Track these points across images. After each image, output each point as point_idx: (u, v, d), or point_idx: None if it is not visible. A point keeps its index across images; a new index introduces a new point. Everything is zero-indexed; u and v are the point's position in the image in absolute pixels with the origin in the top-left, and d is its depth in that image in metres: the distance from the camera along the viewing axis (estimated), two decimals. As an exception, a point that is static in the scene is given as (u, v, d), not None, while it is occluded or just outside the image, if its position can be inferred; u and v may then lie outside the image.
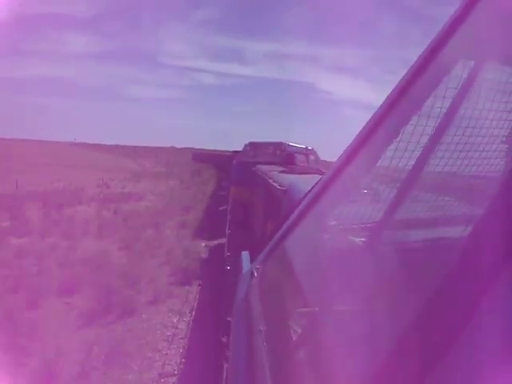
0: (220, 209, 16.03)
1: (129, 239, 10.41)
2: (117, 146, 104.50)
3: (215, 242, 11.52)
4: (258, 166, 9.84)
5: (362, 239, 1.54)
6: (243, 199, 10.35)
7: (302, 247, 1.83)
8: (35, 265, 8.58)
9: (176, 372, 4.67)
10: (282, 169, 8.52)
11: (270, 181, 6.36)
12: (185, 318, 6.26)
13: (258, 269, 1.91)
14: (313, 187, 1.78)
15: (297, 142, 12.22)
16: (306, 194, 1.84)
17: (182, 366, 4.75)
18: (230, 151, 25.64)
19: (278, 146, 12.28)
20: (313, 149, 11.80)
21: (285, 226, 1.85)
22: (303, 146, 11.94)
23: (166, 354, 5.08)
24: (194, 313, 6.36)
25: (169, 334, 5.77)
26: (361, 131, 1.34)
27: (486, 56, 1.14)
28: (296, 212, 1.80)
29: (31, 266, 8.51)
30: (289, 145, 12.02)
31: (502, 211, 0.61)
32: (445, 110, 1.20)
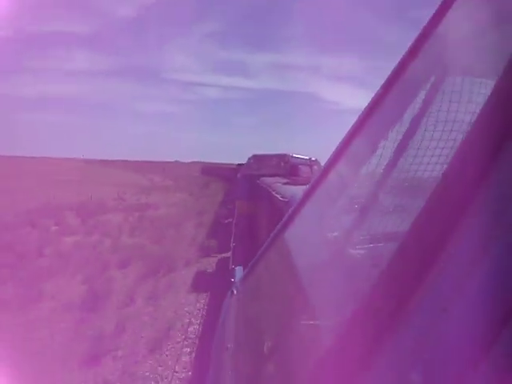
0: (225, 221, 17.19)
1: (158, 235, 13.73)
2: (124, 162, 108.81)
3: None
4: (263, 179, 10.28)
5: (334, 255, 1.50)
6: (248, 212, 10.57)
7: (277, 266, 1.84)
8: (91, 253, 11.87)
9: (206, 293, 8.16)
10: (285, 180, 8.97)
11: (273, 193, 6.66)
12: (209, 271, 9.89)
13: (237, 287, 2.00)
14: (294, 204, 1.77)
15: (302, 153, 12.68)
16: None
17: (209, 293, 8.18)
18: (235, 164, 26.91)
19: (282, 157, 12.69)
20: (316, 160, 12.13)
21: (265, 244, 1.88)
22: (307, 157, 12.42)
23: (200, 285, 8.68)
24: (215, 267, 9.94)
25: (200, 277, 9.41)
26: (338, 144, 1.35)
27: (457, 69, 1.16)
28: (275, 230, 1.83)
29: (88, 253, 11.80)
30: (292, 156, 12.52)
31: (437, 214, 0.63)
32: (422, 122, 1.26)
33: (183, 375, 5.24)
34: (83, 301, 7.47)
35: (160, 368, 5.41)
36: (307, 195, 1.62)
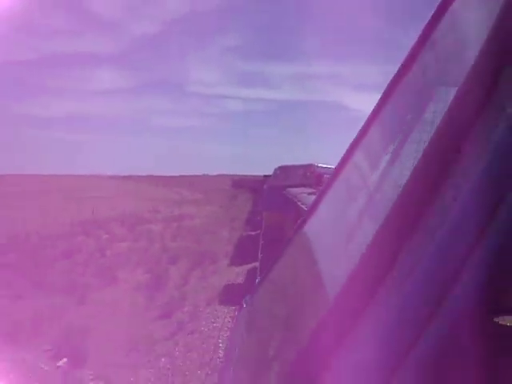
0: (252, 234, 17.97)
1: (197, 239, 16.36)
2: (150, 177, 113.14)
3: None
4: (289, 189, 10.85)
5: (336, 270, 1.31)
6: (275, 223, 11.12)
7: (285, 279, 1.89)
8: (144, 253, 14.52)
9: (246, 272, 10.68)
10: (311, 190, 9.25)
11: (299, 203, 6.92)
12: (247, 260, 12.45)
13: (246, 300, 2.08)
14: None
15: (328, 162, 13.10)
16: None
17: (248, 272, 10.68)
18: (261, 175, 27.81)
19: (308, 167, 13.47)
20: None
21: (275, 257, 1.92)
22: (332, 167, 15.08)
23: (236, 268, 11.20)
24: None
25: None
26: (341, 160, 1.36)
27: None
28: (286, 242, 1.90)
29: (141, 254, 14.45)
30: (318, 166, 13.25)
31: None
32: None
33: (232, 314, 7.78)
34: (148, 284, 10.07)
35: (216, 312, 8.05)
36: (313, 208, 1.67)
